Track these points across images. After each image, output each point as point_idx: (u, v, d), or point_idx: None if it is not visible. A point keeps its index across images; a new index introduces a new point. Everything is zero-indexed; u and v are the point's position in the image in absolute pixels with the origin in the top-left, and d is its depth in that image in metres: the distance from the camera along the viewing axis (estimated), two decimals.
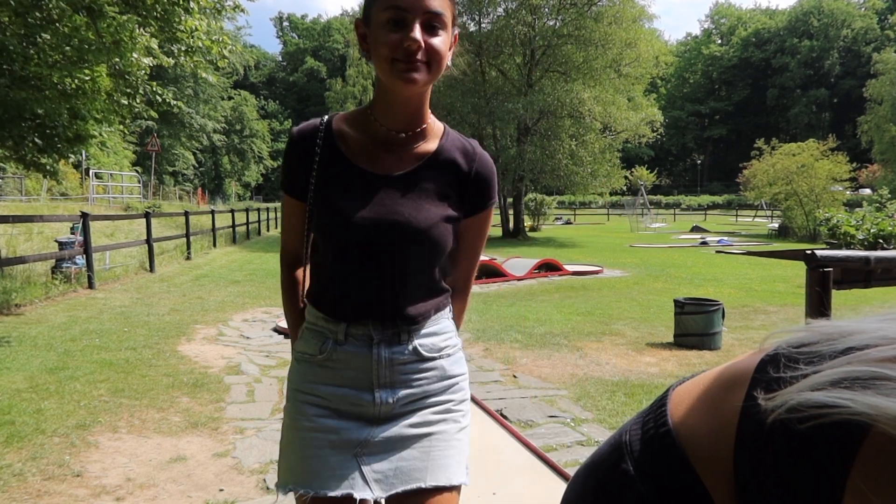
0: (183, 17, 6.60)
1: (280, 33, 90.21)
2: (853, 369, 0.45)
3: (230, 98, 55.41)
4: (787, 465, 0.48)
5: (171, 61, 7.02)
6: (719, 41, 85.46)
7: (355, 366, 1.26)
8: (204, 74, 7.46)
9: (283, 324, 6.57)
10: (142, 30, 6.37)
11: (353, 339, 1.26)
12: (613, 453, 0.67)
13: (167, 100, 7.69)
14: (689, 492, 0.57)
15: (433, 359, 1.33)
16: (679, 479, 0.58)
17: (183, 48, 6.92)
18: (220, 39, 7.27)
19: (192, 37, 6.81)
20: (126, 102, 7.46)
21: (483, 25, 24.37)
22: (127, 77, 7.08)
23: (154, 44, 6.58)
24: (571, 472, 3.01)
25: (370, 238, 1.19)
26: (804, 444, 0.47)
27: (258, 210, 26.15)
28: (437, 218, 1.22)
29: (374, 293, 1.24)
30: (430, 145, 1.27)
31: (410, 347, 1.29)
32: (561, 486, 2.85)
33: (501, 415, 3.88)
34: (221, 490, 2.87)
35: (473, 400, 4.07)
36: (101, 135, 8.34)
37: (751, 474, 0.52)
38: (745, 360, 0.59)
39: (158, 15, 6.45)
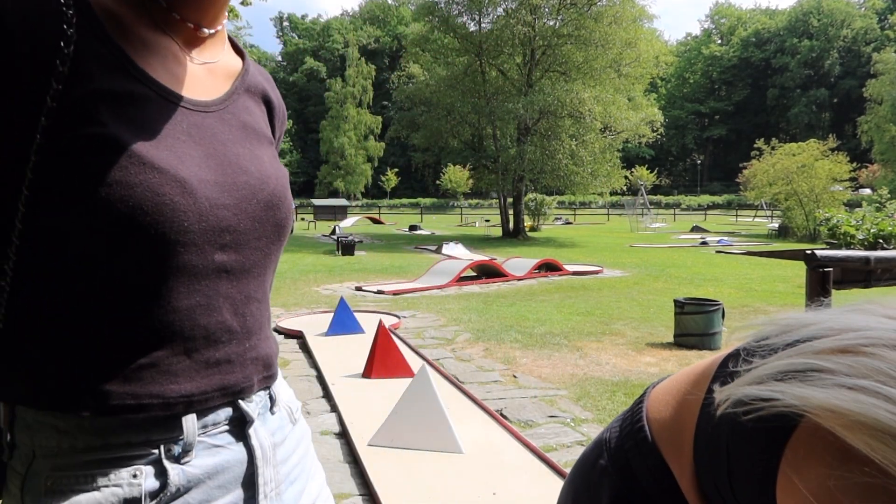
0: None
1: (280, 33, 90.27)
2: (792, 361, 0.47)
3: None
4: (733, 456, 0.50)
5: None
6: (719, 41, 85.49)
7: (224, 483, 0.69)
8: None
9: (284, 324, 6.58)
10: None
11: (213, 435, 0.69)
12: (595, 450, 0.69)
13: None
14: (661, 484, 0.59)
15: (296, 419, 0.84)
16: (651, 472, 0.60)
17: None
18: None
19: None
20: None
21: (483, 25, 24.39)
22: None
23: None
24: None
25: (226, 225, 0.68)
26: (746, 437, 0.49)
27: None
28: (285, 179, 0.80)
29: (239, 329, 0.72)
30: (233, 57, 0.81)
31: (283, 411, 0.80)
32: (560, 486, 2.85)
33: (501, 415, 3.88)
34: None
35: (473, 400, 4.07)
36: None
37: (705, 466, 0.54)
38: (715, 356, 0.61)
39: None
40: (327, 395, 4.28)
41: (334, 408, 3.99)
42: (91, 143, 0.58)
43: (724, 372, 0.56)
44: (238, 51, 0.82)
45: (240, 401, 0.72)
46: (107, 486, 0.61)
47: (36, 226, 0.59)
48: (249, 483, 0.71)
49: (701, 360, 0.63)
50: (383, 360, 4.62)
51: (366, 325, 6.13)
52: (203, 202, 0.65)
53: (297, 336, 6.10)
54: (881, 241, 13.20)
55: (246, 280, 0.71)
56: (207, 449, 0.68)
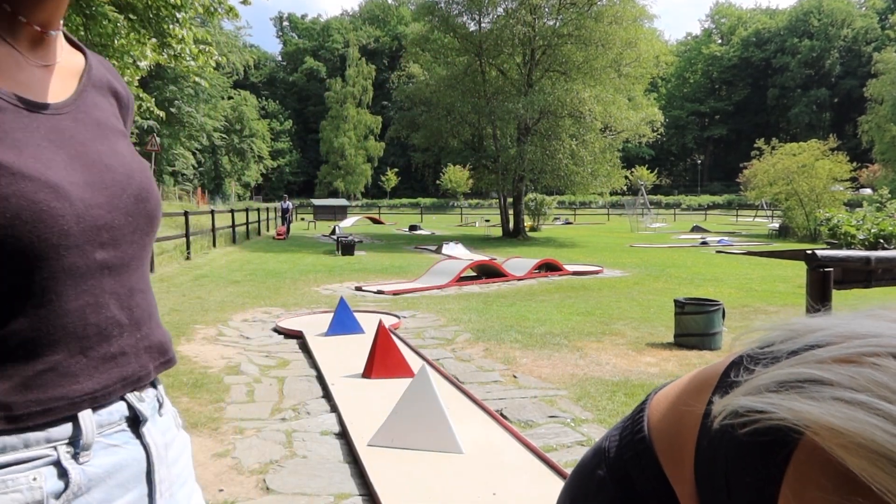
0: (171, 26, 6.63)
1: (280, 33, 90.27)
2: (792, 371, 0.43)
3: (230, 98, 55.40)
4: (731, 473, 0.47)
5: (162, 59, 7.02)
6: (719, 41, 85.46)
7: (123, 481, 0.71)
8: (197, 79, 7.51)
9: (284, 324, 6.58)
10: (135, 34, 6.39)
11: (109, 435, 0.71)
12: (593, 459, 0.68)
13: (150, 108, 7.70)
14: (660, 497, 0.57)
15: (179, 423, 0.87)
16: (651, 484, 0.58)
17: (172, 53, 6.95)
18: (207, 50, 7.30)
19: (182, 42, 6.84)
20: None
21: (483, 25, 24.38)
22: None
23: (147, 50, 6.59)
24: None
25: (103, 223, 0.70)
26: (742, 451, 0.46)
27: (258, 210, 26.15)
28: (148, 171, 0.80)
29: (128, 322, 0.73)
30: (73, 54, 0.80)
31: (169, 414, 0.82)
32: (561, 486, 2.85)
33: (501, 415, 3.88)
34: (221, 490, 2.87)
35: (473, 400, 4.06)
36: None
37: (705, 482, 0.52)
38: (718, 363, 0.58)
39: (151, 18, 6.47)
40: (327, 395, 4.28)
41: (334, 408, 3.99)
42: None
43: (726, 382, 0.53)
44: (77, 47, 0.81)
45: (134, 400, 0.74)
46: (5, 493, 0.60)
47: None
48: (147, 481, 0.73)
49: (704, 367, 0.61)
50: (383, 360, 4.61)
51: (366, 325, 6.13)
52: (78, 204, 0.66)
53: (297, 336, 6.10)
54: (882, 241, 13.17)
55: (127, 274, 0.74)
56: (105, 448, 0.69)
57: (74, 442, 0.66)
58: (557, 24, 23.03)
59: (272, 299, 8.45)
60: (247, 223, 21.66)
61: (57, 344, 0.65)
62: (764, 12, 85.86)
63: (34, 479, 0.62)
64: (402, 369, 4.60)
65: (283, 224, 23.31)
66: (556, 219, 35.81)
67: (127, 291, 0.73)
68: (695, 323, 5.70)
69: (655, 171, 56.86)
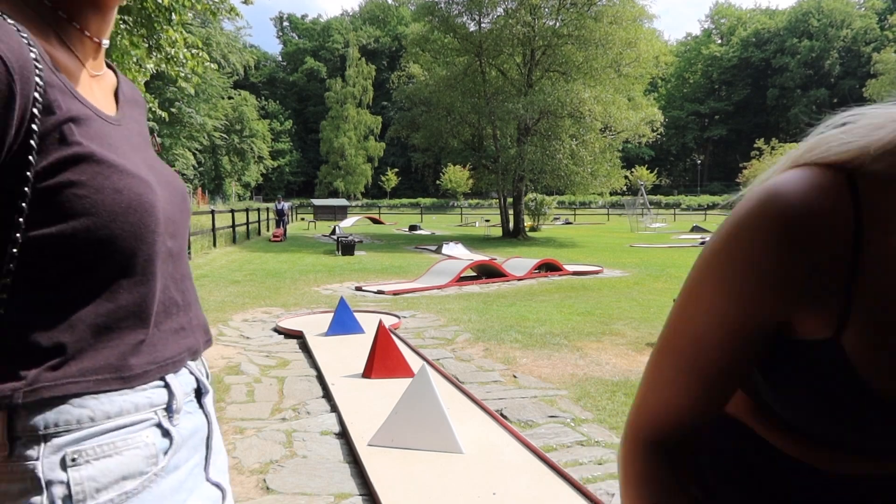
0: (164, 27, 6.61)
1: (280, 33, 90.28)
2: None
3: (230, 98, 55.40)
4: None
5: (151, 62, 6.97)
6: (719, 41, 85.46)
7: (195, 444, 0.83)
8: (184, 84, 7.48)
9: (284, 324, 6.58)
10: (129, 36, 6.37)
11: (186, 403, 0.82)
12: None
13: (153, 109, 7.69)
14: None
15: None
16: None
17: (163, 56, 6.91)
18: (199, 54, 7.28)
19: (174, 47, 6.82)
20: None
21: (483, 25, 24.37)
22: None
23: (142, 52, 6.57)
24: (571, 472, 3.01)
25: (170, 217, 0.81)
26: None
27: (258, 210, 26.14)
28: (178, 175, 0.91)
29: (181, 303, 0.84)
30: (105, 69, 0.87)
31: (212, 389, 0.91)
32: (561, 486, 2.85)
33: (501, 415, 3.88)
34: None
35: (473, 400, 4.07)
36: None
37: None
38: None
39: (144, 21, 6.46)
40: (327, 395, 4.28)
41: (334, 408, 3.99)
42: (76, 159, 0.68)
43: None
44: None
45: (198, 374, 0.85)
46: (129, 450, 0.71)
47: (34, 236, 0.66)
48: (205, 446, 0.85)
49: None
50: (383, 360, 4.61)
51: (366, 325, 6.13)
52: (161, 199, 0.77)
53: (297, 336, 6.10)
54: None
55: (180, 261, 0.85)
56: (185, 415, 0.80)
57: (169, 407, 0.77)
58: (557, 24, 23.02)
59: (272, 299, 8.45)
60: (247, 223, 21.66)
61: (149, 318, 0.76)
62: (763, 13, 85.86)
63: (147, 437, 0.73)
64: (402, 369, 4.60)
65: (279, 226, 22.42)
66: (555, 219, 35.82)
67: (180, 276, 0.84)
68: None
69: (655, 171, 56.86)
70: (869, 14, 73.20)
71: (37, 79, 0.66)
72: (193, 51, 7.19)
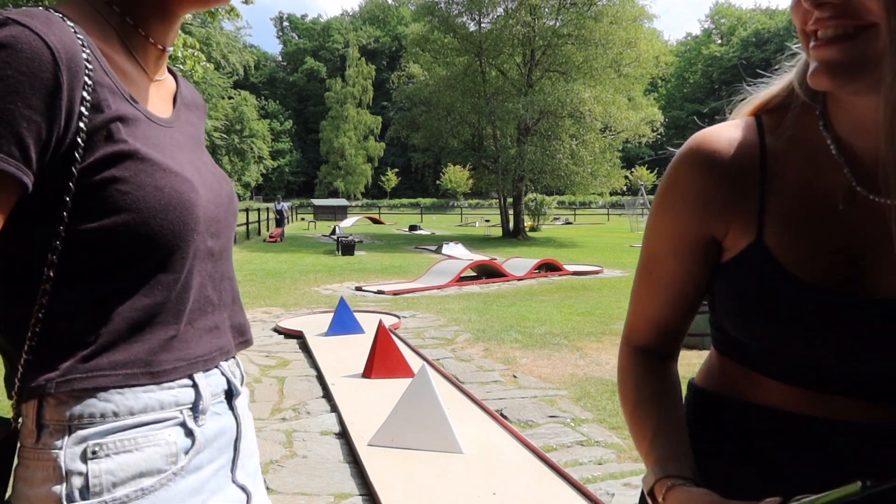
0: None
1: (280, 33, 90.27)
2: None
3: (230, 98, 55.40)
4: None
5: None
6: (719, 41, 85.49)
7: (221, 445, 0.82)
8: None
9: (284, 323, 6.58)
10: None
11: (215, 404, 0.82)
12: None
13: None
14: None
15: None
16: None
17: None
18: (196, 54, 7.26)
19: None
20: None
21: (483, 25, 24.38)
22: None
23: None
24: (571, 472, 3.01)
25: (213, 216, 0.82)
26: None
27: (258, 210, 26.15)
28: (227, 176, 0.93)
29: (218, 302, 0.85)
30: (167, 74, 0.90)
31: (245, 390, 0.91)
32: (561, 486, 2.85)
33: (501, 415, 3.88)
34: None
35: (473, 400, 4.07)
36: None
37: None
38: None
39: None
40: (327, 395, 4.28)
41: (334, 408, 3.99)
42: (121, 157, 0.70)
43: None
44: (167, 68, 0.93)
45: (229, 375, 0.85)
46: (149, 447, 0.71)
47: (76, 230, 0.68)
48: (233, 448, 0.84)
49: None
50: (383, 360, 4.62)
51: (366, 325, 6.13)
52: (202, 198, 0.78)
53: (297, 336, 6.10)
54: None
55: (222, 261, 0.85)
56: (213, 416, 0.80)
57: (195, 407, 0.77)
58: (557, 24, 23.03)
59: (272, 299, 8.45)
60: (247, 223, 21.66)
61: (182, 314, 0.76)
62: (763, 12, 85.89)
63: (169, 435, 0.73)
64: (402, 369, 4.60)
65: (277, 226, 21.95)
66: (555, 219, 35.80)
67: (219, 276, 0.85)
68: (695, 323, 5.67)
69: (655, 171, 56.84)
70: None
71: (86, 78, 0.68)
72: (190, 51, 7.18)
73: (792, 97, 0.73)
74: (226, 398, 0.84)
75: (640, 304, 0.83)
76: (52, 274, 0.68)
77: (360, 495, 2.84)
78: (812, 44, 0.61)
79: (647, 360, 0.83)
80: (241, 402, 0.88)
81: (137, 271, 0.72)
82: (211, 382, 0.81)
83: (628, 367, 0.84)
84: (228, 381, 0.85)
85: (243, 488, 0.85)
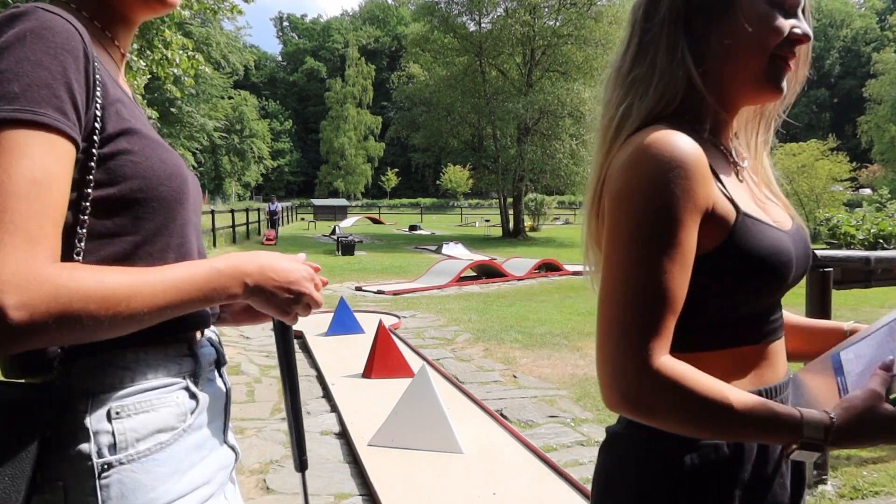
0: (160, 28, 6.57)
1: (280, 33, 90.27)
2: None
3: (230, 98, 55.41)
4: None
5: (146, 66, 6.87)
6: None
7: (216, 409, 0.91)
8: (170, 87, 7.43)
9: None
10: None
11: (208, 372, 0.90)
12: None
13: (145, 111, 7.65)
14: None
15: None
16: None
17: (157, 58, 6.83)
18: (195, 56, 7.23)
19: (168, 48, 6.76)
20: None
21: (483, 25, 24.38)
22: None
23: (133, 54, 6.53)
24: (572, 472, 3.01)
25: (193, 191, 0.90)
26: None
27: (258, 210, 26.14)
28: None
29: None
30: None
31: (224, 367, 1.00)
32: (561, 486, 2.85)
33: (501, 415, 3.88)
34: None
35: (473, 400, 4.07)
36: None
37: None
38: None
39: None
40: (327, 395, 4.28)
41: (334, 408, 3.99)
42: (129, 132, 0.79)
43: None
44: None
45: (218, 347, 0.94)
46: (163, 407, 0.80)
47: (99, 194, 0.76)
48: (223, 413, 0.93)
49: None
50: (383, 360, 4.62)
51: (366, 325, 6.13)
52: (188, 173, 0.87)
53: (297, 336, 6.10)
54: (881, 241, 13.18)
55: (197, 236, 0.93)
56: (207, 382, 0.89)
57: (194, 374, 0.86)
58: (557, 24, 23.04)
59: None
60: (247, 223, 21.66)
61: None
62: None
63: (178, 397, 0.82)
64: (402, 369, 4.60)
65: (271, 227, 21.09)
66: (555, 219, 35.79)
67: (202, 249, 0.94)
68: None
69: None
70: (869, 14, 73.25)
71: (95, 61, 0.77)
72: (189, 53, 7.15)
73: (679, 107, 0.88)
74: (216, 367, 0.94)
75: (661, 297, 0.76)
76: (84, 233, 0.75)
77: (360, 495, 2.84)
78: (779, 65, 0.89)
79: (681, 363, 0.76)
80: (225, 371, 0.97)
81: (145, 232, 0.80)
82: (205, 353, 0.90)
83: (681, 371, 0.74)
84: (217, 352, 0.94)
85: (233, 448, 0.94)
